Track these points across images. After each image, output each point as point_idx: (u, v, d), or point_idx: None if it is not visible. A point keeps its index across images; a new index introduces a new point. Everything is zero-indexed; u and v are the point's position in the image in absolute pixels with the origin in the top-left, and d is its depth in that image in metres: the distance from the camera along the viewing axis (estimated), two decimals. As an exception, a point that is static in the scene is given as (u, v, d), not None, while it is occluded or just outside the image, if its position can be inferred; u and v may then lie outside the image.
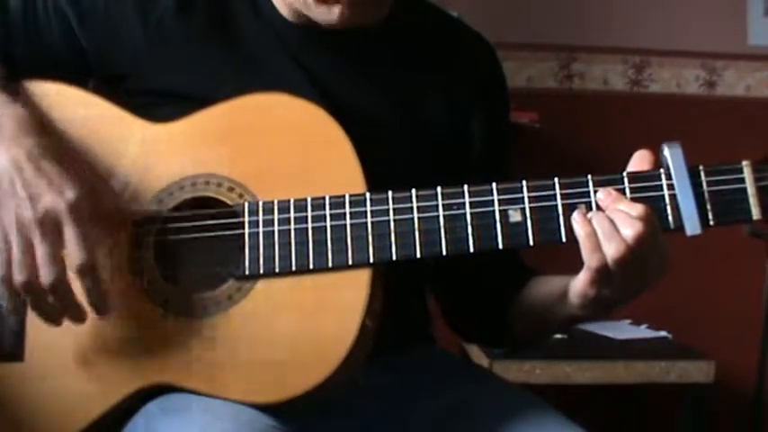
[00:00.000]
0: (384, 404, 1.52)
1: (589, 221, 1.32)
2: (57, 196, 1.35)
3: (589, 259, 1.32)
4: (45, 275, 1.34)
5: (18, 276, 1.35)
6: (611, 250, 1.30)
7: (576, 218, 1.33)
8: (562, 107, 3.53)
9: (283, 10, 1.55)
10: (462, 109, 1.60)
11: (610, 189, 1.34)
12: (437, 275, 1.63)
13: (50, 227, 1.34)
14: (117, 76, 1.54)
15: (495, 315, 1.62)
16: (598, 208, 1.34)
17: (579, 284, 1.36)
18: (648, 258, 1.32)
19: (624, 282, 1.33)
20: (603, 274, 1.32)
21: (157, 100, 1.51)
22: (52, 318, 1.38)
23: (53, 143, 1.41)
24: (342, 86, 1.54)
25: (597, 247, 1.31)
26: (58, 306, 1.37)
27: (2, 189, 1.36)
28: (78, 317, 1.38)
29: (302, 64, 1.54)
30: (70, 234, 1.34)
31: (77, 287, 1.37)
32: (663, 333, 3.26)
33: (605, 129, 3.53)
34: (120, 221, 1.43)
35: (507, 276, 1.60)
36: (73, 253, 1.35)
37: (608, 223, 1.31)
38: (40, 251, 1.34)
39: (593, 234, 1.31)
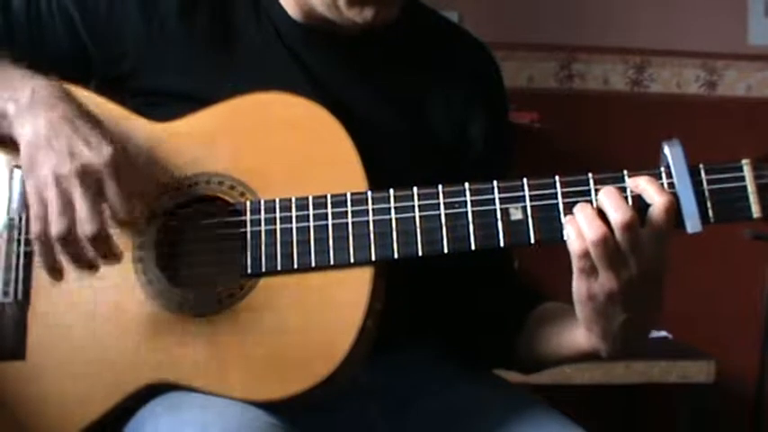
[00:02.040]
0: (384, 403, 1.52)
1: (578, 224, 1.31)
2: (95, 152, 1.35)
3: (571, 245, 1.31)
4: (89, 226, 1.34)
5: (57, 228, 1.34)
6: (591, 234, 1.29)
7: (567, 220, 1.33)
8: (563, 107, 3.53)
9: (291, 9, 1.55)
10: (461, 111, 1.60)
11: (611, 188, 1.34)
12: (442, 298, 1.63)
13: (89, 181, 1.34)
14: (119, 76, 1.54)
15: (499, 345, 1.61)
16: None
17: (573, 285, 1.35)
18: (639, 256, 1.31)
19: (616, 284, 1.32)
20: (588, 263, 1.31)
21: (159, 100, 1.52)
22: (88, 266, 1.38)
23: (84, 108, 1.41)
24: (343, 86, 1.54)
25: (580, 234, 1.31)
26: (95, 255, 1.36)
27: (38, 148, 1.36)
28: (116, 260, 1.38)
29: (304, 63, 1.54)
30: (111, 186, 1.35)
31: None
32: (663, 333, 3.26)
33: (606, 129, 3.54)
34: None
35: (512, 302, 1.59)
36: (115, 205, 1.35)
37: (590, 210, 1.31)
38: (83, 202, 1.34)
39: (581, 235, 1.31)
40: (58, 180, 1.34)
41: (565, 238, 1.32)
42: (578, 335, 1.42)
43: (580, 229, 1.30)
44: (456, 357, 1.65)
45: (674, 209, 1.30)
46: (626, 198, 1.33)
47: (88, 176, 1.34)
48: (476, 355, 1.65)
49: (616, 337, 1.38)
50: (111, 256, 1.37)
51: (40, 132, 1.37)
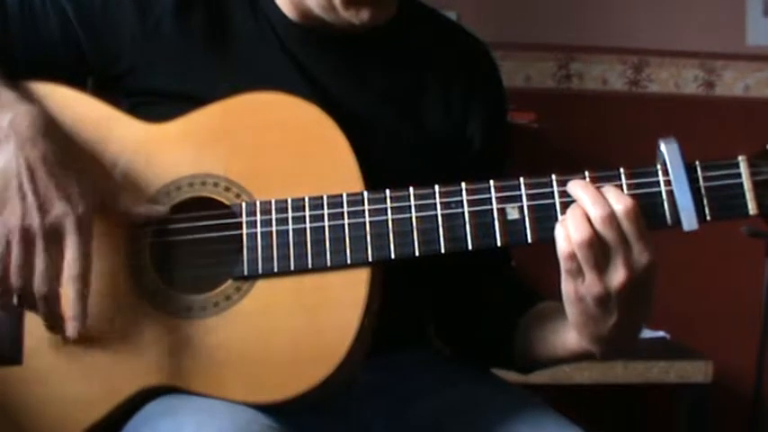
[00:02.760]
0: (382, 404, 1.52)
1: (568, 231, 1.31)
2: (67, 208, 1.34)
3: (559, 247, 1.31)
4: (39, 286, 1.34)
5: (15, 281, 1.34)
6: (576, 235, 1.29)
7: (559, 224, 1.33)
8: (561, 107, 3.53)
9: (287, 9, 1.55)
10: (459, 110, 1.60)
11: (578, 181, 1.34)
12: (437, 296, 1.63)
13: (54, 238, 1.34)
14: (115, 75, 1.54)
15: (495, 344, 1.61)
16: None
17: (562, 287, 1.35)
18: (627, 255, 1.31)
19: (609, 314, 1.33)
20: (574, 264, 1.31)
21: (154, 99, 1.51)
22: (48, 322, 1.39)
23: (66, 147, 1.40)
24: (339, 86, 1.54)
25: (567, 236, 1.30)
26: (47, 314, 1.37)
27: (10, 188, 1.35)
28: (60, 329, 1.38)
29: (301, 64, 1.54)
30: (73, 245, 1.34)
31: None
32: (661, 333, 3.26)
33: (604, 129, 3.54)
34: (125, 223, 1.43)
35: (509, 299, 1.59)
36: (72, 263, 1.34)
37: (579, 211, 1.30)
38: (40, 261, 1.34)
39: (568, 237, 1.31)
40: (24, 232, 1.33)
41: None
42: (571, 336, 1.42)
43: (568, 232, 1.30)
44: (455, 356, 1.65)
45: (636, 212, 1.30)
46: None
47: (53, 234, 1.34)
48: (474, 354, 1.66)
49: (607, 339, 1.38)
50: (52, 316, 1.37)
51: (15, 169, 1.35)
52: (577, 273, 1.31)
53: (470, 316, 1.64)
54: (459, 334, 1.67)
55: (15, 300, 1.37)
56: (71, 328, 1.35)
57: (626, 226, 1.30)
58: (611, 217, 1.30)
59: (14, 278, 1.34)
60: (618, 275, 1.31)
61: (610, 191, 1.32)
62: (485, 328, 1.61)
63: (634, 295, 1.33)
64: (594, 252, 1.29)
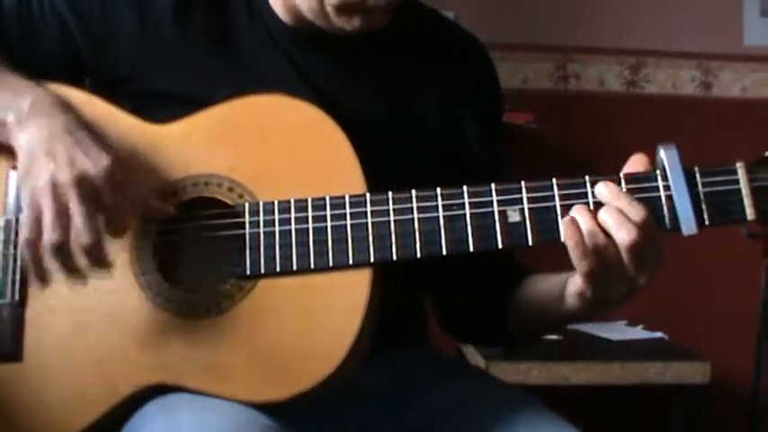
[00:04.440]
0: (381, 404, 1.53)
1: (578, 228, 1.32)
2: (94, 162, 1.35)
3: (579, 265, 1.32)
4: (86, 238, 1.33)
5: (52, 237, 1.33)
6: (622, 235, 1.30)
7: (566, 223, 1.33)
8: (558, 108, 3.54)
9: (281, 13, 1.55)
10: (457, 109, 1.60)
11: (609, 182, 1.35)
12: (431, 275, 1.63)
13: (87, 191, 1.34)
14: (114, 78, 1.54)
15: (489, 314, 1.62)
16: (598, 204, 1.34)
17: (574, 287, 1.36)
18: (644, 260, 1.32)
19: (620, 283, 1.33)
20: (597, 278, 1.32)
21: (155, 102, 1.51)
22: (77, 275, 1.36)
23: (84, 120, 1.41)
24: (338, 88, 1.54)
25: (587, 253, 1.32)
26: (87, 264, 1.35)
27: (36, 156, 1.36)
28: (105, 270, 1.37)
29: (299, 66, 1.54)
30: (108, 197, 1.34)
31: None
32: (659, 334, 3.27)
33: (601, 130, 3.54)
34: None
35: (502, 275, 1.60)
36: (111, 216, 1.34)
37: (617, 213, 1.31)
38: (80, 213, 1.33)
39: (581, 242, 1.32)
40: (55, 188, 1.34)
41: (573, 261, 1.33)
42: (561, 308, 1.44)
43: (588, 251, 1.31)
44: (456, 341, 1.65)
45: (636, 245, 1.31)
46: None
47: (86, 186, 1.34)
48: (467, 329, 1.69)
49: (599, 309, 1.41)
50: (102, 265, 1.36)
51: (40, 141, 1.36)
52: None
53: (465, 300, 1.66)
54: (457, 319, 1.69)
55: (50, 251, 1.34)
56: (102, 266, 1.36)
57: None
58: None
59: (51, 235, 1.33)
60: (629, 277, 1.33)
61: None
62: (480, 308, 1.64)
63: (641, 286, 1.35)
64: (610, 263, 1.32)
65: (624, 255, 1.30)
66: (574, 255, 1.32)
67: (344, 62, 1.56)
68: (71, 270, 1.36)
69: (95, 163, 1.35)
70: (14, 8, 1.55)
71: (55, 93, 1.44)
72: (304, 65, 1.54)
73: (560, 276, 1.44)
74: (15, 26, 1.54)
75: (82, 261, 1.35)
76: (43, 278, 1.37)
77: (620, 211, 1.32)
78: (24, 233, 1.35)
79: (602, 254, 1.31)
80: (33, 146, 1.37)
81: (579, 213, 1.33)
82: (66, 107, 1.42)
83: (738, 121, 3.59)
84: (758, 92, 3.68)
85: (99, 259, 1.35)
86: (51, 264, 1.35)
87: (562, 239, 1.34)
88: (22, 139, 1.38)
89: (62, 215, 1.33)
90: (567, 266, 1.36)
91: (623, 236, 1.30)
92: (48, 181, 1.34)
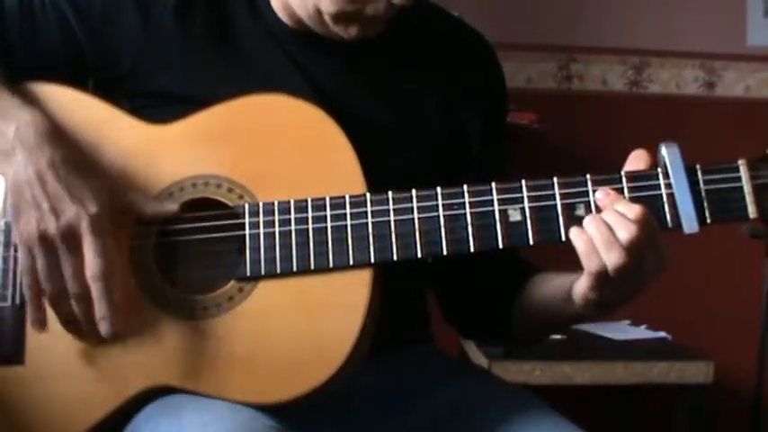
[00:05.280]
0: (383, 404, 1.53)
1: (585, 230, 1.32)
2: (79, 209, 1.36)
3: (588, 266, 1.32)
4: (73, 286, 1.36)
5: (48, 287, 1.37)
6: (611, 257, 1.30)
7: (573, 229, 1.33)
8: (561, 108, 3.53)
9: (282, 15, 1.55)
10: (460, 108, 1.60)
11: (608, 189, 1.35)
12: (436, 271, 1.63)
13: (73, 241, 1.36)
14: (115, 77, 1.54)
15: (495, 312, 1.62)
16: (597, 208, 1.34)
17: (581, 288, 1.36)
18: (647, 259, 1.32)
19: (624, 283, 1.33)
20: (603, 279, 1.32)
21: (156, 102, 1.51)
22: (79, 329, 1.40)
23: (71, 151, 1.41)
24: (340, 88, 1.54)
25: (595, 254, 1.31)
26: (83, 316, 1.38)
27: (23, 199, 1.38)
28: (109, 326, 1.39)
29: (300, 66, 1.54)
30: (90, 245, 1.36)
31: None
32: (662, 334, 3.27)
33: (605, 129, 3.53)
34: (129, 223, 1.44)
35: (507, 273, 1.60)
36: (92, 262, 1.36)
37: (606, 230, 1.31)
38: (67, 264, 1.36)
39: (590, 242, 1.32)
40: (44, 239, 1.37)
41: (582, 262, 1.33)
42: (568, 308, 1.44)
43: (596, 251, 1.31)
44: (460, 337, 1.65)
45: (637, 244, 1.31)
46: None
47: (70, 236, 1.36)
48: (471, 326, 1.69)
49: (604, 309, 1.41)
50: (104, 319, 1.38)
51: (25, 179, 1.38)
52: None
53: (470, 297, 1.66)
54: (462, 316, 1.69)
55: (54, 307, 1.39)
56: (104, 328, 1.37)
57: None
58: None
59: (46, 284, 1.37)
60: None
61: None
62: (485, 305, 1.64)
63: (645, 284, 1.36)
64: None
65: (626, 254, 1.30)
66: (583, 255, 1.32)
67: (346, 62, 1.55)
68: (69, 322, 1.40)
69: (81, 210, 1.37)
70: (16, 7, 1.54)
71: (41, 115, 1.43)
72: (305, 65, 1.54)
73: (567, 276, 1.44)
74: (17, 25, 1.54)
75: (75, 309, 1.38)
76: (41, 323, 1.40)
77: (619, 213, 1.32)
78: (23, 279, 1.39)
79: (611, 253, 1.30)
80: (18, 184, 1.38)
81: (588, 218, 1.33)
82: (54, 134, 1.41)
83: (742, 120, 3.58)
84: (761, 92, 3.67)
85: (89, 307, 1.37)
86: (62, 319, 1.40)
87: (563, 239, 1.34)
88: (8, 172, 1.40)
89: (53, 265, 1.37)
90: (572, 263, 1.36)
91: (623, 234, 1.30)
92: (35, 231, 1.37)
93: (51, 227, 1.36)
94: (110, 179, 1.43)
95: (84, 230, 1.36)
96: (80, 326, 1.39)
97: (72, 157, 1.40)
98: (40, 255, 1.37)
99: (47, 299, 1.38)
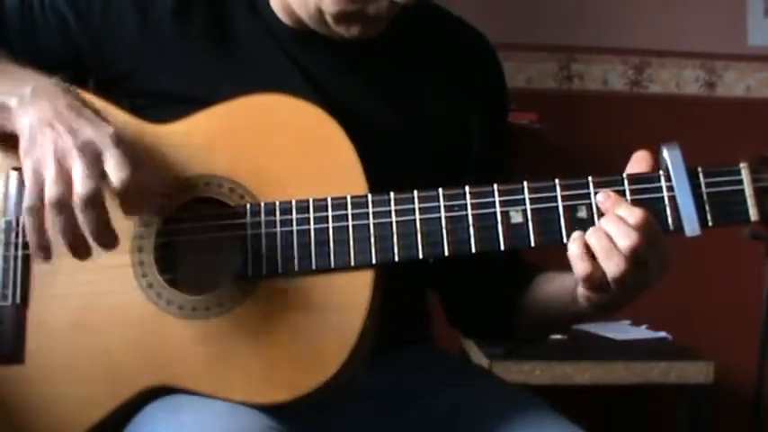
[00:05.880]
0: (383, 404, 1.53)
1: (585, 242, 1.32)
2: (98, 129, 1.32)
3: (578, 269, 1.32)
4: (81, 187, 1.28)
5: (52, 193, 1.28)
6: (611, 267, 1.30)
7: (574, 236, 1.33)
8: (562, 108, 3.54)
9: (281, 15, 1.55)
10: (461, 108, 1.60)
11: (609, 192, 1.35)
12: (439, 270, 1.63)
13: (90, 152, 1.30)
14: (115, 78, 1.54)
15: (497, 312, 1.63)
16: (598, 210, 1.34)
17: (582, 293, 1.36)
18: (649, 262, 1.32)
19: (627, 286, 1.33)
20: (603, 287, 1.32)
21: (156, 102, 1.51)
22: (82, 244, 1.32)
23: (87, 101, 1.40)
24: (340, 87, 1.54)
25: (588, 262, 1.31)
26: (90, 227, 1.30)
27: (40, 129, 1.32)
28: (108, 241, 1.32)
29: (300, 65, 1.54)
30: (112, 156, 1.30)
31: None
32: (662, 334, 3.27)
33: (605, 129, 3.54)
34: (130, 222, 1.42)
35: (509, 274, 1.60)
36: (115, 172, 1.29)
37: (606, 241, 1.31)
38: (78, 169, 1.28)
39: (585, 252, 1.31)
40: (58, 153, 1.30)
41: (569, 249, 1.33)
42: (571, 308, 1.44)
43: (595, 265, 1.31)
44: (461, 339, 1.65)
45: (637, 249, 1.30)
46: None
47: (88, 148, 1.30)
48: (474, 326, 1.70)
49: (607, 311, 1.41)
50: (107, 238, 1.31)
51: (43, 116, 1.34)
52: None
53: (472, 296, 1.66)
54: (464, 315, 1.70)
55: (53, 211, 1.30)
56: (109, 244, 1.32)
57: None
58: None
59: (51, 191, 1.29)
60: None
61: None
62: (487, 305, 1.64)
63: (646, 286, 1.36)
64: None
65: (627, 259, 1.30)
66: (576, 267, 1.32)
67: (346, 62, 1.55)
68: (73, 235, 1.30)
69: (99, 130, 1.32)
70: (16, 8, 1.55)
71: (59, 80, 1.42)
72: (306, 65, 1.54)
73: (570, 276, 1.44)
74: (17, 26, 1.54)
75: (83, 220, 1.29)
76: (45, 248, 1.33)
77: (620, 218, 1.31)
78: (26, 201, 1.31)
79: (610, 263, 1.30)
80: (36, 123, 1.33)
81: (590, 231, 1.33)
82: (68, 90, 1.40)
83: (742, 120, 3.59)
84: (762, 92, 3.68)
85: (96, 215, 1.29)
86: (54, 228, 1.31)
87: (564, 241, 1.34)
88: (25, 120, 1.35)
89: (64, 172, 1.29)
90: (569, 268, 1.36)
91: (623, 242, 1.30)
92: (50, 148, 1.30)
93: (68, 143, 1.30)
94: None
95: (107, 145, 1.30)
96: (78, 236, 1.31)
97: (89, 104, 1.39)
98: (52, 166, 1.29)
99: (49, 203, 1.29)
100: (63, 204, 1.28)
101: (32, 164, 1.31)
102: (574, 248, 1.32)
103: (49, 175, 1.29)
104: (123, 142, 1.32)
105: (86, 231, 1.30)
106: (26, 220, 1.32)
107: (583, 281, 1.32)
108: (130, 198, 1.31)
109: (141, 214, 1.41)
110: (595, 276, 1.31)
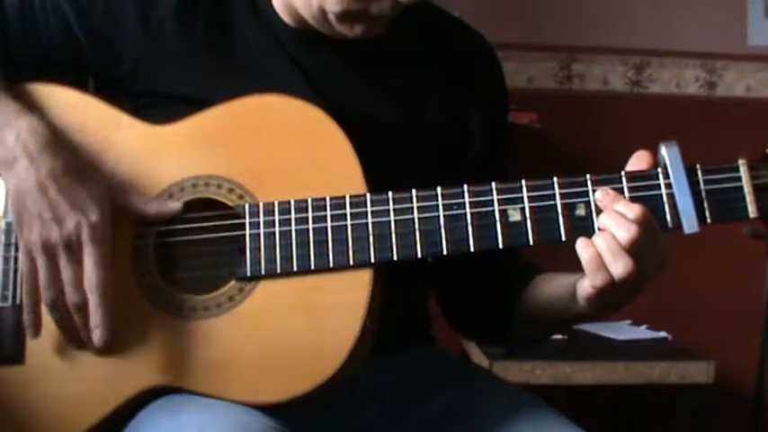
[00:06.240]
0: (383, 404, 1.53)
1: (592, 243, 1.32)
2: (80, 217, 1.38)
3: (593, 278, 1.32)
4: (72, 295, 1.38)
5: (47, 294, 1.38)
6: (618, 268, 1.30)
7: (580, 243, 1.33)
8: (562, 108, 3.53)
9: (284, 15, 1.55)
10: (461, 108, 1.60)
11: (608, 189, 1.35)
12: (438, 272, 1.63)
13: (73, 249, 1.38)
14: (116, 77, 1.54)
15: (497, 314, 1.62)
16: (597, 207, 1.34)
17: (585, 293, 1.36)
18: (648, 259, 1.32)
19: (628, 285, 1.33)
20: (609, 287, 1.32)
21: (157, 102, 1.51)
22: (75, 336, 1.41)
23: (71, 158, 1.42)
24: (340, 87, 1.54)
25: (601, 266, 1.32)
26: (80, 324, 1.39)
27: (26, 209, 1.39)
28: (101, 335, 1.40)
29: (301, 66, 1.54)
30: (89, 255, 1.38)
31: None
32: (663, 334, 3.27)
33: (605, 129, 3.54)
34: (131, 224, 1.44)
35: (509, 275, 1.60)
36: (91, 272, 1.37)
37: (612, 241, 1.31)
38: (67, 273, 1.38)
39: (597, 255, 1.32)
40: (46, 248, 1.38)
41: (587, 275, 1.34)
42: (571, 309, 1.44)
43: (603, 264, 1.32)
44: (460, 343, 1.65)
45: (637, 243, 1.31)
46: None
47: (72, 243, 1.38)
48: (474, 327, 1.70)
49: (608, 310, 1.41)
50: (98, 328, 1.39)
51: (27, 189, 1.39)
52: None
53: (472, 298, 1.66)
54: (464, 317, 1.70)
55: (51, 314, 1.40)
56: (98, 337, 1.39)
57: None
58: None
59: (46, 292, 1.38)
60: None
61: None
62: (487, 306, 1.64)
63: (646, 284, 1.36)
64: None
65: (632, 262, 1.30)
66: (589, 268, 1.33)
67: (348, 63, 1.55)
68: (65, 329, 1.41)
69: (82, 218, 1.38)
70: (17, 8, 1.54)
71: (39, 121, 1.43)
72: (307, 65, 1.54)
73: (569, 276, 1.44)
74: (18, 26, 1.54)
75: (77, 318, 1.39)
76: (37, 327, 1.41)
77: (619, 213, 1.32)
78: (24, 285, 1.40)
79: (618, 264, 1.30)
80: (21, 194, 1.39)
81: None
82: (55, 140, 1.42)
83: (743, 120, 3.59)
84: (762, 91, 3.68)
85: (85, 320, 1.39)
86: (56, 325, 1.41)
87: (563, 239, 1.34)
88: (10, 183, 1.41)
89: (55, 274, 1.39)
90: (572, 262, 1.36)
91: (623, 235, 1.30)
92: (38, 240, 1.38)
93: (54, 235, 1.38)
94: (110, 181, 1.43)
95: (85, 240, 1.37)
96: (76, 333, 1.40)
97: (72, 163, 1.41)
98: (43, 262, 1.38)
99: (46, 305, 1.39)
100: (57, 305, 1.39)
101: (25, 249, 1.40)
102: (588, 258, 1.32)
103: (42, 275, 1.39)
104: (105, 223, 1.39)
105: (79, 327, 1.40)
106: (24, 297, 1.41)
107: (592, 287, 1.33)
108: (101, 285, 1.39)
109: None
110: (607, 282, 1.31)
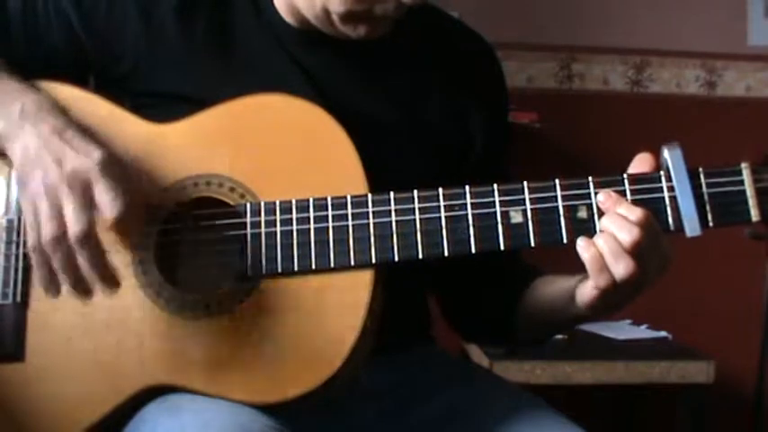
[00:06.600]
0: (384, 404, 1.53)
1: (593, 243, 1.32)
2: (84, 157, 1.34)
3: (597, 279, 1.32)
4: (74, 225, 1.32)
5: (46, 232, 1.33)
6: (619, 269, 1.31)
7: (581, 242, 1.33)
8: (562, 107, 3.54)
9: (286, 15, 1.55)
10: (462, 108, 1.60)
11: (610, 191, 1.35)
12: (438, 274, 1.63)
13: (78, 184, 1.33)
14: (118, 77, 1.54)
15: (497, 317, 1.62)
16: (598, 210, 1.34)
17: (586, 295, 1.36)
18: (650, 261, 1.32)
19: (629, 287, 1.33)
20: (611, 288, 1.32)
21: (158, 101, 1.51)
22: (82, 283, 1.36)
23: (74, 120, 1.41)
24: (342, 87, 1.54)
25: (604, 267, 1.32)
26: (88, 265, 1.34)
27: (28, 164, 1.36)
28: (108, 281, 1.36)
29: (302, 65, 1.54)
30: (101, 187, 1.33)
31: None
32: (663, 333, 3.27)
33: (605, 129, 3.54)
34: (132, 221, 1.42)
35: (510, 277, 1.60)
36: (105, 203, 1.33)
37: (613, 242, 1.31)
38: (69, 204, 1.33)
39: (599, 256, 1.32)
40: (48, 189, 1.34)
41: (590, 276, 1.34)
42: (571, 310, 1.44)
43: (605, 265, 1.32)
44: (462, 341, 1.65)
45: (639, 245, 1.31)
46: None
47: (76, 180, 1.33)
48: (474, 329, 1.70)
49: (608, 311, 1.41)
50: (106, 275, 1.36)
51: (30, 148, 1.37)
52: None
53: (473, 300, 1.66)
54: (465, 318, 1.70)
55: (50, 251, 1.34)
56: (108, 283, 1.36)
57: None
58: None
59: (45, 230, 1.33)
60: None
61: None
62: (487, 308, 1.64)
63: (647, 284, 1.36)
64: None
65: (634, 263, 1.30)
66: (592, 269, 1.32)
67: (349, 63, 1.55)
68: (73, 273, 1.35)
69: (84, 156, 1.34)
70: (20, 10, 1.55)
71: (45, 94, 1.43)
72: (308, 65, 1.54)
73: (570, 279, 1.44)
74: (20, 26, 1.54)
75: (80, 258, 1.34)
76: (52, 284, 1.37)
77: (621, 215, 1.32)
78: (29, 241, 1.36)
79: (620, 264, 1.31)
80: (24, 155, 1.37)
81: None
82: (54, 109, 1.41)
83: (743, 120, 3.59)
84: (762, 91, 3.68)
85: (93, 253, 1.33)
86: (57, 266, 1.35)
87: (565, 241, 1.34)
88: (15, 150, 1.39)
89: (56, 211, 1.33)
90: (571, 262, 1.36)
91: (625, 236, 1.30)
92: (40, 185, 1.34)
93: (54, 175, 1.34)
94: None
95: (95, 175, 1.33)
96: (80, 276, 1.36)
97: (75, 123, 1.40)
98: (43, 204, 1.34)
99: (47, 245, 1.34)
100: (58, 242, 1.33)
101: (29, 202, 1.35)
102: (590, 259, 1.32)
103: (43, 214, 1.33)
104: (111, 163, 1.35)
105: (84, 268, 1.35)
106: (31, 257, 1.36)
107: (595, 288, 1.33)
108: (122, 223, 1.34)
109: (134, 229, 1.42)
110: (609, 283, 1.31)
